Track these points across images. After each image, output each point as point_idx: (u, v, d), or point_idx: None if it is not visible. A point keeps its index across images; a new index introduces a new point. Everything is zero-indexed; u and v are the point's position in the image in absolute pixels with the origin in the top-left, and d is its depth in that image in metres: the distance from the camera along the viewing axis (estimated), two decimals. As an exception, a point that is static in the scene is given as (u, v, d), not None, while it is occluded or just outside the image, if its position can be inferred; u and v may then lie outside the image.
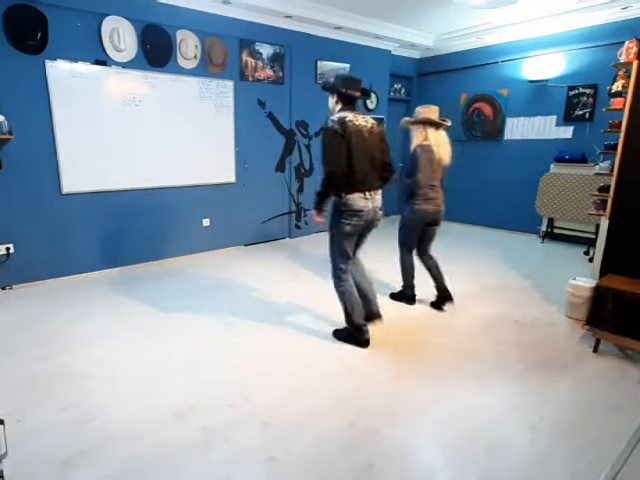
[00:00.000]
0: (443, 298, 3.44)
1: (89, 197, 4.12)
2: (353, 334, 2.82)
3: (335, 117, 2.55)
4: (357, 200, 2.58)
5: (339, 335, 2.91)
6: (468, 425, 2.06)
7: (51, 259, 4.00)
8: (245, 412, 2.14)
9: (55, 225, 3.98)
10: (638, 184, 2.81)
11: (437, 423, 2.09)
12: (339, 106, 2.65)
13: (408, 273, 3.52)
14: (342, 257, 2.73)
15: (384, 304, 3.55)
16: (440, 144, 3.15)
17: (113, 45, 3.97)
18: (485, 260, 4.82)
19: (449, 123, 3.22)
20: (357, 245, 2.85)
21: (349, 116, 2.55)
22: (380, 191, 2.76)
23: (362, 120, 2.61)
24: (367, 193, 2.62)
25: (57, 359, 2.63)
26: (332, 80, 2.70)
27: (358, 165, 2.56)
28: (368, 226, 2.74)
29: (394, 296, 3.66)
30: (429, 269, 3.46)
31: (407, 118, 3.25)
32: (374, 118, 2.73)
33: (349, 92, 2.60)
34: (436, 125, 3.15)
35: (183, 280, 4.09)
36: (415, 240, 3.39)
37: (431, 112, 3.15)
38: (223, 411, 2.15)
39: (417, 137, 3.16)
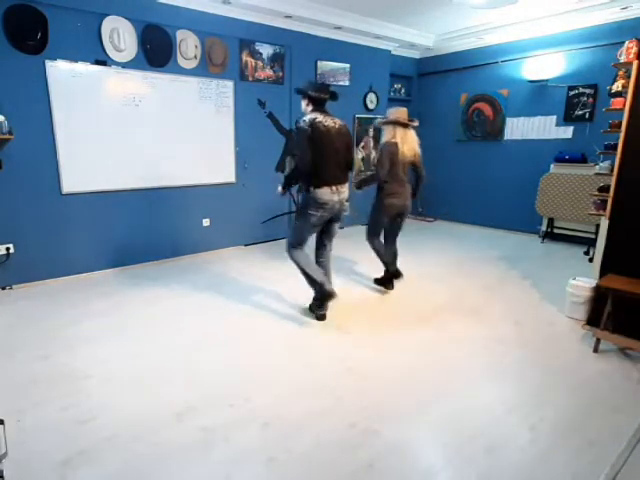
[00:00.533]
0: (389, 279, 3.84)
1: (89, 197, 4.12)
2: (318, 297, 3.14)
3: (306, 118, 2.86)
4: (324, 194, 2.91)
5: (312, 308, 3.23)
6: (468, 425, 2.06)
7: (51, 259, 4.00)
8: (245, 412, 2.14)
9: (55, 225, 3.98)
10: (638, 184, 2.81)
11: (437, 423, 2.09)
12: (310, 108, 2.96)
13: (383, 254, 3.77)
14: (300, 242, 3.08)
15: (384, 303, 3.57)
16: (405, 142, 3.48)
17: (113, 45, 3.97)
18: (485, 260, 4.82)
19: (416, 123, 3.58)
20: (329, 234, 3.19)
21: (319, 117, 2.87)
22: (347, 184, 3.07)
23: (331, 121, 2.93)
24: (334, 187, 2.94)
25: (57, 359, 2.63)
26: (303, 86, 3.03)
27: (327, 162, 2.89)
28: (335, 216, 3.08)
29: (378, 280, 3.89)
30: (387, 255, 3.81)
31: (380, 119, 3.65)
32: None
33: (316, 95, 2.92)
34: (404, 125, 3.49)
35: (183, 280, 4.09)
36: (381, 229, 3.73)
37: (400, 113, 3.50)
38: (223, 411, 2.15)
39: (386, 135, 3.52)
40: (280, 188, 3.11)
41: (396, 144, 3.44)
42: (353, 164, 3.21)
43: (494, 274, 4.33)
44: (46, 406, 2.17)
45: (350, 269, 4.32)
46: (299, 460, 1.83)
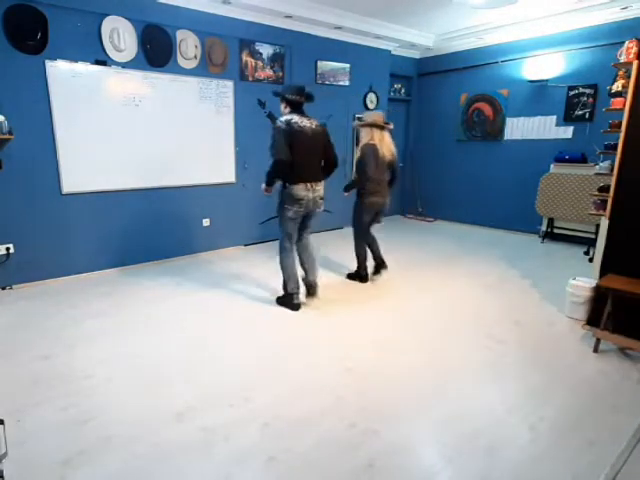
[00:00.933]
0: (379, 266, 4.07)
1: (89, 197, 4.12)
2: (286, 299, 3.39)
3: (283, 119, 3.06)
4: (299, 190, 3.09)
5: (279, 300, 3.47)
6: (468, 425, 2.06)
7: (51, 259, 4.00)
8: (245, 412, 2.14)
9: (55, 225, 3.98)
10: (638, 184, 2.81)
11: (437, 423, 2.09)
12: (287, 110, 3.15)
13: (361, 255, 4.03)
14: (287, 237, 3.30)
15: (384, 303, 3.57)
16: (383, 144, 3.70)
17: (113, 45, 3.97)
18: (485, 260, 4.82)
19: (391, 126, 3.82)
20: (305, 228, 3.40)
21: (295, 118, 3.06)
22: (322, 183, 3.26)
23: (307, 122, 3.11)
24: (309, 184, 3.12)
25: (57, 359, 2.63)
26: (281, 90, 3.23)
27: (301, 159, 3.06)
28: (309, 212, 3.27)
29: (350, 276, 4.16)
30: (369, 244, 4.05)
31: (357, 121, 3.86)
32: None
33: (293, 98, 3.11)
34: (380, 127, 3.71)
35: (183, 280, 4.09)
36: (367, 226, 3.96)
37: (377, 116, 3.74)
38: (223, 411, 2.15)
39: (365, 137, 3.73)
40: (264, 186, 3.23)
41: (375, 145, 3.65)
42: (336, 161, 3.35)
43: (494, 274, 4.33)
44: (46, 406, 2.17)
45: (349, 269, 4.31)
46: (299, 460, 1.83)
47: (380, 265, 4.07)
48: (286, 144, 2.99)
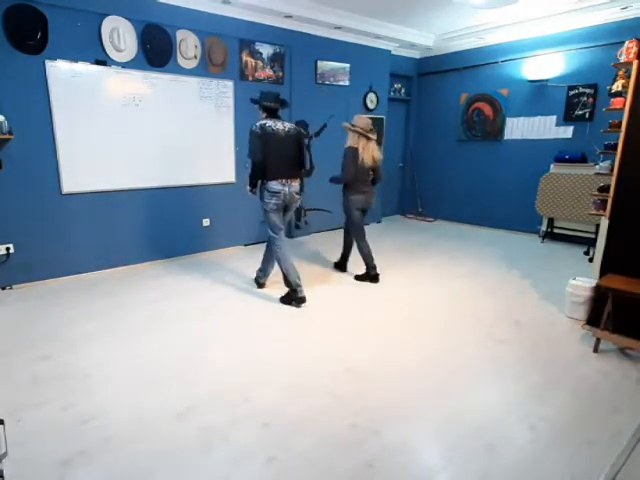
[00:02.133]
0: (343, 265, 4.35)
1: (89, 197, 4.12)
2: (291, 294, 3.46)
3: (258, 123, 3.34)
4: (275, 185, 3.37)
5: (283, 300, 3.52)
6: (468, 425, 2.06)
7: (51, 259, 4.00)
8: (245, 412, 2.14)
9: (55, 225, 3.98)
10: (638, 184, 2.81)
11: (437, 423, 2.09)
12: (264, 115, 3.41)
13: (367, 255, 4.06)
14: (274, 228, 3.50)
15: (383, 303, 3.57)
16: (366, 151, 3.85)
17: (113, 45, 3.96)
18: (485, 260, 4.82)
19: (374, 137, 3.93)
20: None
21: (268, 122, 3.34)
22: (297, 179, 3.51)
23: (280, 125, 3.39)
24: (283, 180, 3.39)
25: (57, 359, 2.63)
26: (258, 97, 3.45)
27: (274, 159, 3.33)
28: (288, 206, 3.53)
29: (359, 277, 4.14)
30: (346, 242, 4.29)
31: (346, 124, 3.93)
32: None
33: (269, 104, 3.39)
34: (367, 137, 3.85)
35: (183, 281, 4.09)
36: (361, 223, 4.07)
37: (364, 125, 3.85)
38: (223, 411, 2.15)
39: (350, 140, 3.88)
40: (248, 187, 3.48)
41: (357, 149, 3.82)
42: (306, 162, 3.56)
43: (494, 274, 4.33)
44: (46, 406, 2.17)
45: (349, 269, 4.32)
46: (299, 460, 1.83)
47: (343, 265, 4.33)
48: (261, 146, 3.29)
